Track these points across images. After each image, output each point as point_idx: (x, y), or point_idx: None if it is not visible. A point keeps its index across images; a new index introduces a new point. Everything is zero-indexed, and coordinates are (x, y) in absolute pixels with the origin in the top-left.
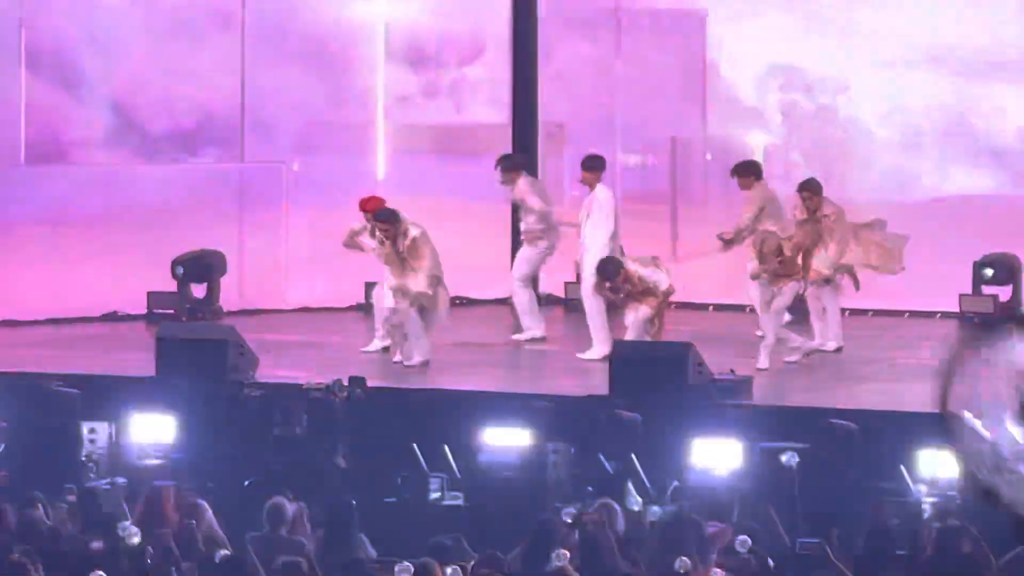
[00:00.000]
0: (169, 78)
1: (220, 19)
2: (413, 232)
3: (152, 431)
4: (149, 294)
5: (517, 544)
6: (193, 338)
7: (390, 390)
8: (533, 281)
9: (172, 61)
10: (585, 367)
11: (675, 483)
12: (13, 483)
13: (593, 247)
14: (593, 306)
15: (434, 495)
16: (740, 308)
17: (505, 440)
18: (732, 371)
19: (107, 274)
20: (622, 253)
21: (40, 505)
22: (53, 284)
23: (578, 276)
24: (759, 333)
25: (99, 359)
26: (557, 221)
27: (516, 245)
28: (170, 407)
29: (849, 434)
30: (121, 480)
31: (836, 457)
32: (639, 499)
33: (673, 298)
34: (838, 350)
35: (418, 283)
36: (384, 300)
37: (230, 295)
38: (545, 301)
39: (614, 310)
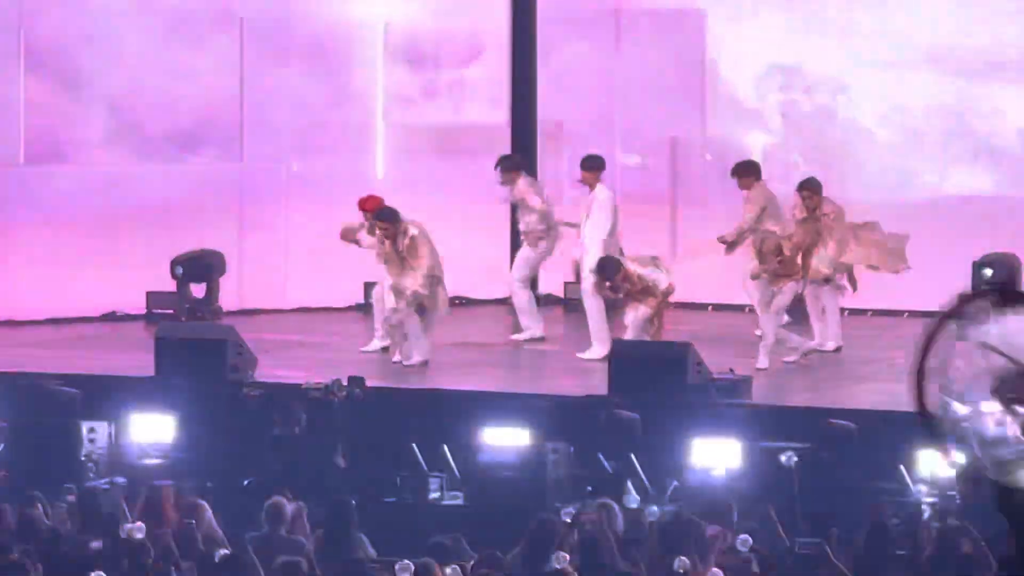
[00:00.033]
0: (169, 78)
1: (219, 19)
2: (412, 231)
3: (151, 431)
4: (148, 294)
5: (516, 544)
6: (192, 338)
7: (389, 390)
8: (532, 281)
9: (172, 61)
10: (584, 367)
11: (674, 483)
12: (13, 483)
13: (592, 247)
14: (593, 306)
15: (433, 495)
16: (739, 308)
17: (504, 440)
18: (731, 371)
19: (106, 274)
20: (621, 253)
21: (40, 505)
22: (52, 284)
23: (578, 276)
24: (758, 333)
25: (98, 359)
26: (557, 221)
27: (515, 245)
28: (169, 407)
29: (848, 434)
30: (120, 480)
31: (835, 457)
32: (637, 497)
33: (672, 298)
34: (837, 350)
35: (416, 282)
36: (385, 300)
37: (229, 295)
38: (544, 301)
39: (614, 310)
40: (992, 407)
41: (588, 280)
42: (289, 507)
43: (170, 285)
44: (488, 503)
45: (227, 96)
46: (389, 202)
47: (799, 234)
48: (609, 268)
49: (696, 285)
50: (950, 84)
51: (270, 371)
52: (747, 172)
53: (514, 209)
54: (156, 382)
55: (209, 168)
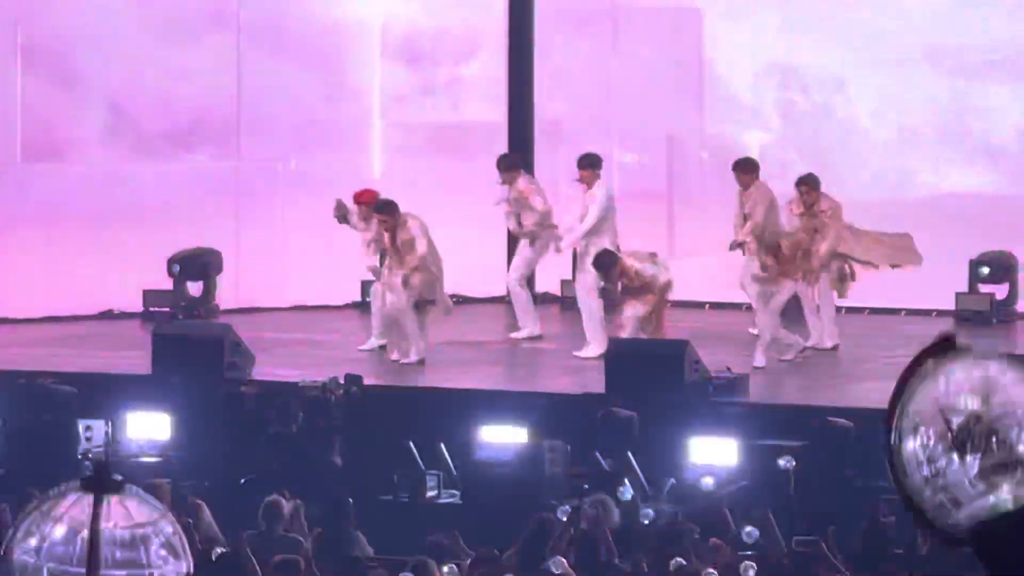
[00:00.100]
0: (165, 76)
1: (216, 17)
2: (411, 224)
3: (148, 429)
4: (145, 292)
5: (513, 542)
6: (189, 336)
7: (386, 388)
8: (529, 280)
9: (168, 59)
10: (581, 365)
11: (672, 481)
12: (9, 481)
13: (589, 248)
14: (592, 304)
15: (430, 493)
16: (736, 306)
17: (501, 438)
18: (728, 369)
19: (103, 272)
20: (617, 251)
21: None
22: (49, 282)
23: (575, 274)
24: (753, 331)
25: (95, 357)
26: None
27: (512, 243)
28: (166, 405)
29: (845, 432)
30: (117, 478)
31: (832, 455)
32: (631, 491)
33: (669, 296)
34: (834, 348)
35: (415, 275)
36: (384, 296)
37: (226, 293)
38: (541, 300)
39: (611, 308)
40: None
41: (587, 280)
42: (286, 505)
43: (167, 283)
44: (485, 501)
45: (224, 94)
46: None
47: (798, 233)
48: (605, 261)
49: (693, 283)
50: (947, 83)
51: (267, 369)
52: (748, 169)
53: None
54: (153, 380)
55: (206, 166)
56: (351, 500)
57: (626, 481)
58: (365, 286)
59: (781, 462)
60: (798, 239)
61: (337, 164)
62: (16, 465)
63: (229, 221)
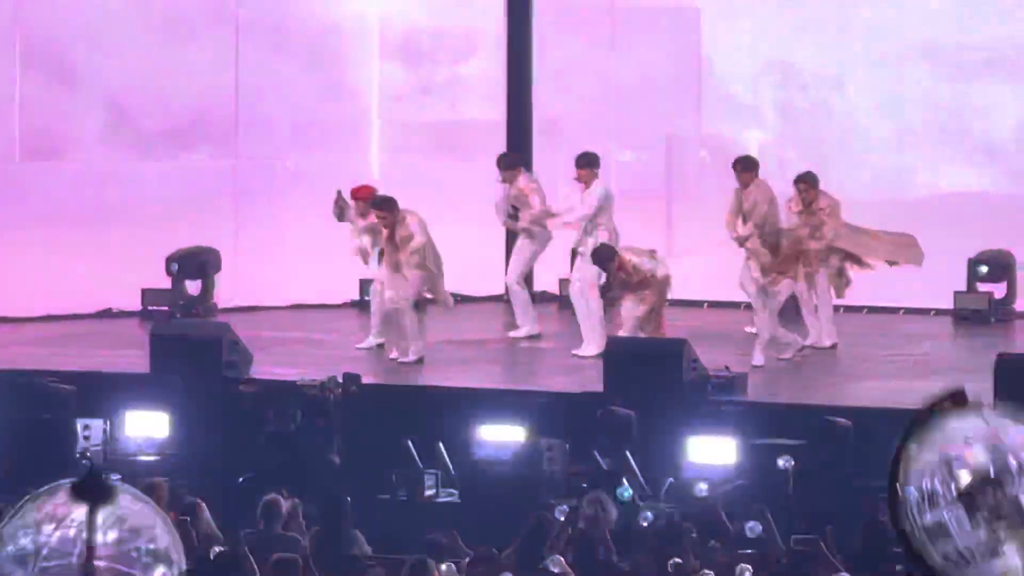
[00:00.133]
0: (164, 75)
1: (215, 16)
2: (410, 220)
3: (146, 428)
4: (143, 291)
5: (512, 541)
6: (187, 335)
7: (385, 387)
8: (527, 278)
9: (167, 58)
10: (579, 364)
11: (670, 480)
12: (7, 480)
13: (588, 247)
14: (591, 303)
15: (428, 492)
16: (735, 305)
17: (500, 436)
18: (727, 368)
19: (101, 271)
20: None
21: None
22: (47, 281)
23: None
24: (750, 330)
25: (93, 356)
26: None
27: (510, 242)
28: (164, 404)
29: (844, 431)
30: (115, 477)
31: (831, 454)
32: (630, 490)
33: (668, 291)
34: (833, 347)
35: (414, 272)
36: (383, 293)
37: (225, 292)
38: (539, 298)
39: (610, 307)
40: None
41: (587, 279)
42: (284, 504)
43: (165, 282)
44: (483, 500)
45: (223, 93)
46: None
47: (798, 230)
48: (603, 254)
49: (691, 282)
50: (946, 82)
51: (265, 368)
52: (748, 167)
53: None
54: (151, 379)
55: (205, 165)
56: (349, 499)
57: (624, 481)
58: (364, 285)
59: (780, 462)
60: (798, 236)
61: (335, 163)
62: (13, 464)
63: (227, 220)
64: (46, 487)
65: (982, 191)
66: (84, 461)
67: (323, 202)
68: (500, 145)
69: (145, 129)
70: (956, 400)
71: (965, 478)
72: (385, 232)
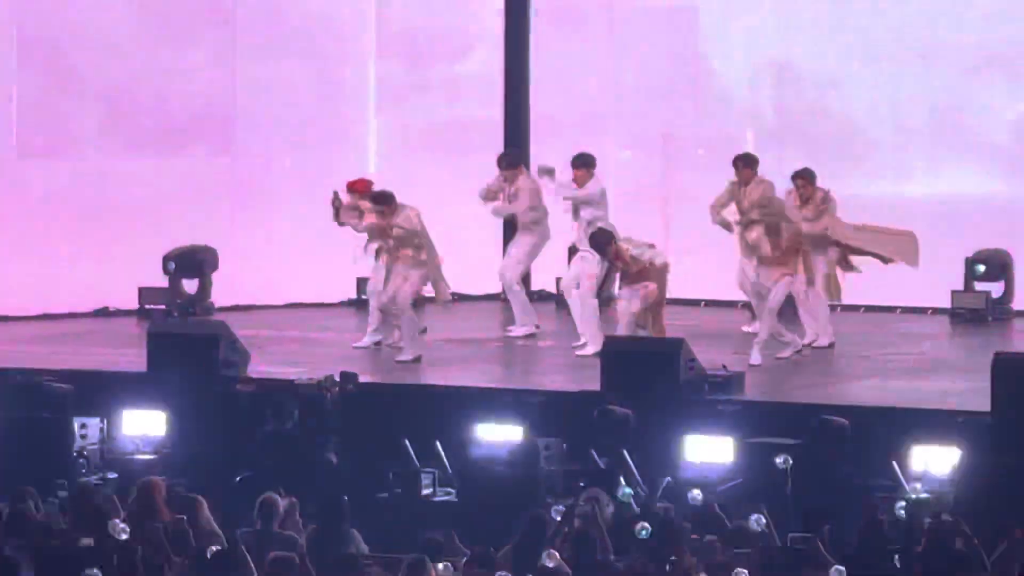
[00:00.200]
0: (161, 74)
1: (212, 15)
2: (409, 215)
3: (143, 426)
4: (140, 289)
5: (509, 540)
6: (184, 334)
7: (382, 386)
8: (524, 277)
9: (164, 57)
10: (577, 362)
11: (668, 479)
12: (4, 478)
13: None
14: (589, 302)
15: (426, 491)
16: (732, 304)
17: (497, 435)
18: (724, 367)
19: (98, 269)
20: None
21: (31, 501)
22: (44, 279)
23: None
24: (746, 329)
25: (90, 354)
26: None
27: (508, 240)
28: (161, 403)
29: (841, 430)
30: (112, 475)
31: (828, 453)
32: (630, 490)
33: (666, 291)
34: (830, 346)
35: (413, 271)
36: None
37: (222, 291)
38: (536, 297)
39: (606, 305)
40: None
41: (586, 279)
42: (281, 503)
43: (162, 281)
44: (480, 499)
45: (219, 91)
46: None
47: (799, 224)
48: (600, 240)
49: (689, 281)
50: (943, 80)
51: (263, 367)
52: (749, 164)
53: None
54: (148, 378)
55: (201, 163)
56: (346, 498)
57: (622, 480)
58: (360, 283)
59: (779, 461)
60: (798, 229)
61: (333, 161)
62: (10, 462)
63: (224, 219)
64: None
65: (979, 190)
66: (80, 460)
67: (320, 201)
68: (498, 144)
69: (142, 128)
70: None
71: None
72: (379, 222)
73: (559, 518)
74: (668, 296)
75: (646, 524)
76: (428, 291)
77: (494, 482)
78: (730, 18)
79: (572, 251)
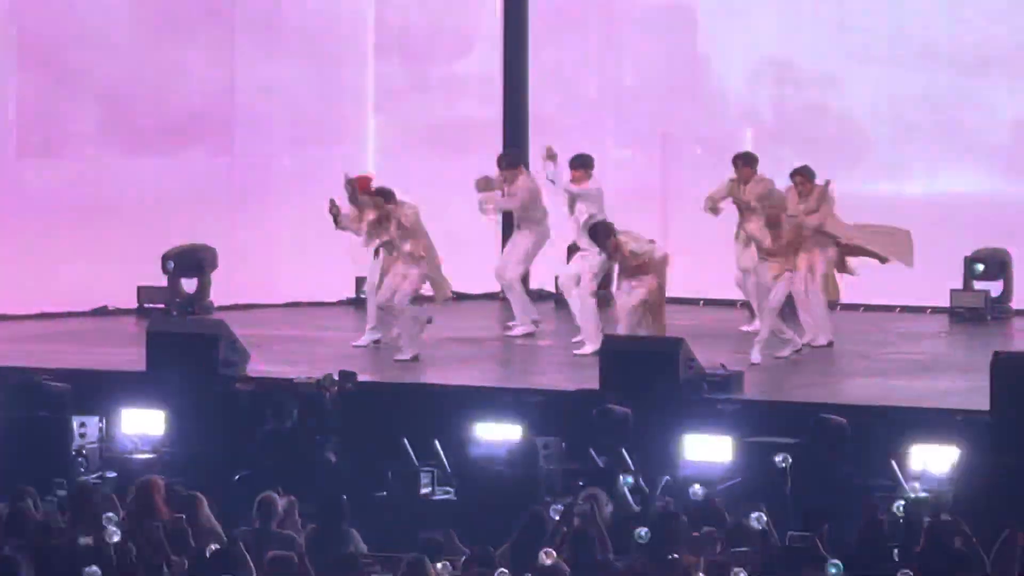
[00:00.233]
0: (160, 73)
1: (210, 14)
2: (408, 212)
3: (142, 425)
4: (139, 288)
5: (508, 539)
6: (184, 333)
7: (381, 385)
8: (523, 276)
9: (163, 56)
10: (576, 361)
11: (666, 478)
12: (3, 478)
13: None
14: (588, 301)
15: (424, 490)
16: (731, 303)
17: (496, 435)
18: (723, 366)
19: (97, 268)
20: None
21: (30, 500)
22: (43, 278)
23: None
24: (745, 328)
25: (89, 353)
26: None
27: (507, 240)
28: (160, 402)
29: (840, 429)
30: (111, 474)
31: (827, 452)
32: (631, 480)
33: (665, 290)
34: (829, 345)
35: (412, 269)
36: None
37: (221, 290)
38: (535, 296)
39: (605, 305)
40: None
41: (586, 279)
42: (280, 502)
43: (161, 280)
44: (479, 498)
45: (218, 91)
46: None
47: (799, 217)
48: (600, 232)
49: (687, 280)
50: (942, 79)
51: (261, 366)
52: (749, 162)
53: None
54: (147, 377)
55: (200, 163)
56: (345, 497)
57: (620, 477)
58: (359, 282)
59: (778, 459)
60: (799, 222)
61: (331, 161)
62: (9, 462)
63: (223, 218)
64: None
65: (978, 189)
66: (79, 459)
67: (319, 200)
68: (496, 143)
69: (141, 127)
70: None
71: None
72: (378, 217)
73: (558, 517)
74: (667, 295)
75: (643, 530)
76: (427, 290)
77: (493, 481)
78: (729, 17)
79: (571, 249)
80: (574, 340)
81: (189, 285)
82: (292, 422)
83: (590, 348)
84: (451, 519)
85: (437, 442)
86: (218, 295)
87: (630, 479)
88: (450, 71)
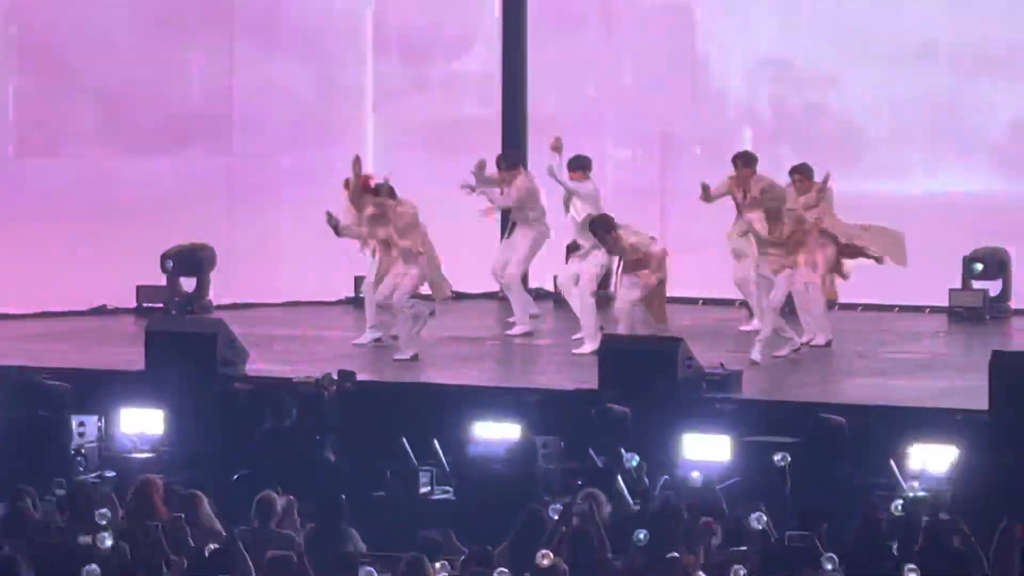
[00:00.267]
0: (159, 72)
1: (209, 13)
2: (408, 209)
3: (141, 424)
4: (139, 288)
5: (506, 538)
6: (183, 332)
7: (380, 384)
8: (523, 277)
9: (162, 56)
10: (575, 361)
11: (665, 477)
12: (2, 477)
13: (585, 246)
14: (586, 300)
15: (423, 489)
16: (729, 303)
17: (495, 434)
18: (721, 365)
19: (96, 268)
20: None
21: (29, 499)
22: (43, 278)
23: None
24: (744, 328)
25: (89, 353)
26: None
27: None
28: (159, 401)
29: (839, 428)
30: (110, 473)
31: (826, 451)
32: (637, 458)
33: (667, 267)
34: (827, 344)
35: (410, 269)
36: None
37: (220, 289)
38: (535, 295)
39: (604, 305)
40: None
41: (586, 280)
42: (279, 501)
43: (160, 279)
44: (478, 497)
45: (217, 90)
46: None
47: (798, 209)
48: (601, 225)
49: (686, 280)
50: (941, 79)
51: (260, 365)
52: (749, 162)
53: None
54: (146, 376)
55: (200, 162)
56: (344, 496)
57: (625, 456)
58: (358, 281)
59: (776, 458)
60: (799, 215)
61: (330, 160)
62: (9, 461)
63: (222, 217)
64: None
65: (977, 189)
66: (78, 458)
67: (317, 199)
68: (495, 142)
69: (141, 126)
70: None
71: None
72: (372, 212)
73: (557, 517)
74: (667, 294)
75: (644, 531)
76: (426, 289)
77: (492, 480)
78: (728, 17)
79: (571, 249)
80: (574, 337)
81: (188, 284)
82: (291, 421)
83: (589, 347)
84: (450, 518)
85: (436, 441)
86: (217, 294)
87: (636, 459)
88: (449, 70)
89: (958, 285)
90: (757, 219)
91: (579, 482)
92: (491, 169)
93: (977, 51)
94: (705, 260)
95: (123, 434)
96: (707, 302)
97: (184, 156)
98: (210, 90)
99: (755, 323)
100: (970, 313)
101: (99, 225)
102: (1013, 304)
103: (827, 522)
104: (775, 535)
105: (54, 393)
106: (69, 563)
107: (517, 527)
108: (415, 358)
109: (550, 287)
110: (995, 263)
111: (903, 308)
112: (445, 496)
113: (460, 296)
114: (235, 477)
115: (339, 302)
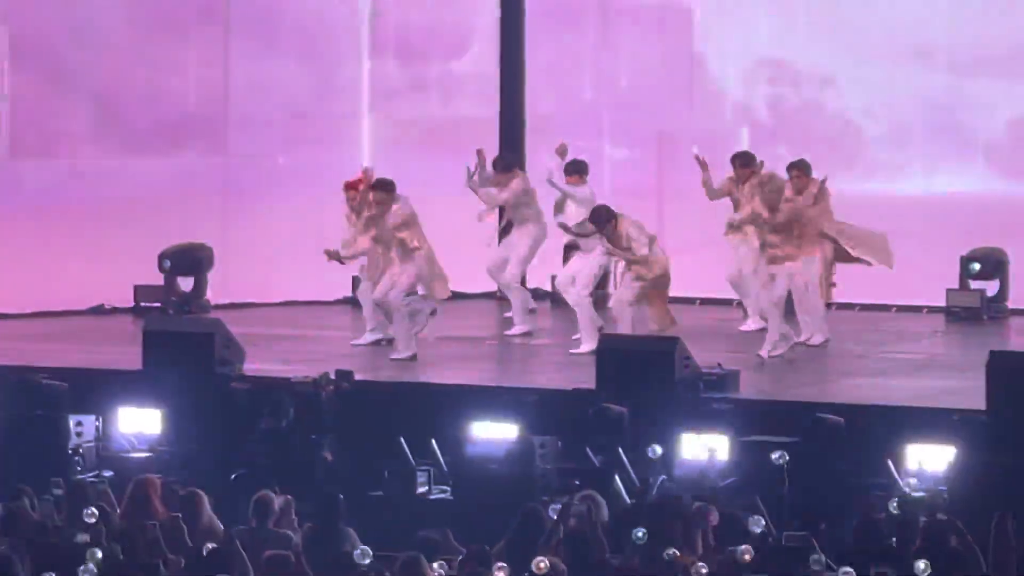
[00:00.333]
0: (154, 72)
1: (204, 12)
2: (406, 207)
3: (139, 424)
4: (136, 287)
5: (504, 538)
6: (180, 331)
7: (378, 383)
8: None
9: (157, 55)
10: (572, 361)
11: (662, 477)
12: (0, 476)
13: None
14: (584, 300)
15: (421, 489)
16: (727, 303)
17: (492, 433)
18: (719, 365)
19: (94, 268)
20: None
21: (27, 498)
22: (39, 277)
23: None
24: (743, 328)
25: (86, 352)
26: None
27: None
28: (157, 400)
29: (836, 428)
30: (108, 473)
31: (823, 451)
32: (660, 450)
33: (668, 269)
34: (824, 344)
35: (409, 268)
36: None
37: (217, 289)
38: (533, 295)
39: (603, 305)
40: None
41: (585, 280)
42: (277, 501)
43: (158, 279)
44: (476, 497)
45: (213, 90)
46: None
47: (798, 202)
48: (602, 215)
49: (684, 279)
50: (938, 79)
51: (258, 365)
52: (746, 163)
53: (502, 209)
54: (144, 375)
55: (195, 162)
56: (342, 496)
57: (649, 449)
58: (356, 281)
59: (774, 456)
60: (796, 207)
61: (326, 160)
62: (6, 460)
63: (219, 217)
64: None
65: (974, 188)
66: (76, 457)
67: (314, 199)
68: (492, 142)
69: (136, 126)
70: None
71: None
72: (374, 210)
73: (555, 517)
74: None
75: (640, 532)
76: (421, 290)
77: (490, 480)
78: (725, 17)
79: (568, 249)
80: (573, 337)
81: (186, 284)
82: (288, 421)
83: (586, 347)
84: (447, 518)
85: (434, 441)
86: (215, 294)
87: (659, 449)
88: (446, 70)
89: (955, 285)
90: (759, 205)
91: (576, 482)
92: (490, 170)
93: (975, 51)
94: (702, 260)
95: (121, 434)
96: (704, 302)
97: (181, 156)
98: (206, 89)
99: (750, 323)
100: (967, 313)
101: (96, 225)
102: (1010, 304)
103: (824, 522)
104: (773, 535)
105: (52, 393)
106: (66, 562)
107: (514, 526)
108: (414, 358)
109: (548, 287)
110: (992, 263)
111: (900, 308)
112: (443, 496)
113: (458, 296)
114: (233, 476)
115: (337, 302)
